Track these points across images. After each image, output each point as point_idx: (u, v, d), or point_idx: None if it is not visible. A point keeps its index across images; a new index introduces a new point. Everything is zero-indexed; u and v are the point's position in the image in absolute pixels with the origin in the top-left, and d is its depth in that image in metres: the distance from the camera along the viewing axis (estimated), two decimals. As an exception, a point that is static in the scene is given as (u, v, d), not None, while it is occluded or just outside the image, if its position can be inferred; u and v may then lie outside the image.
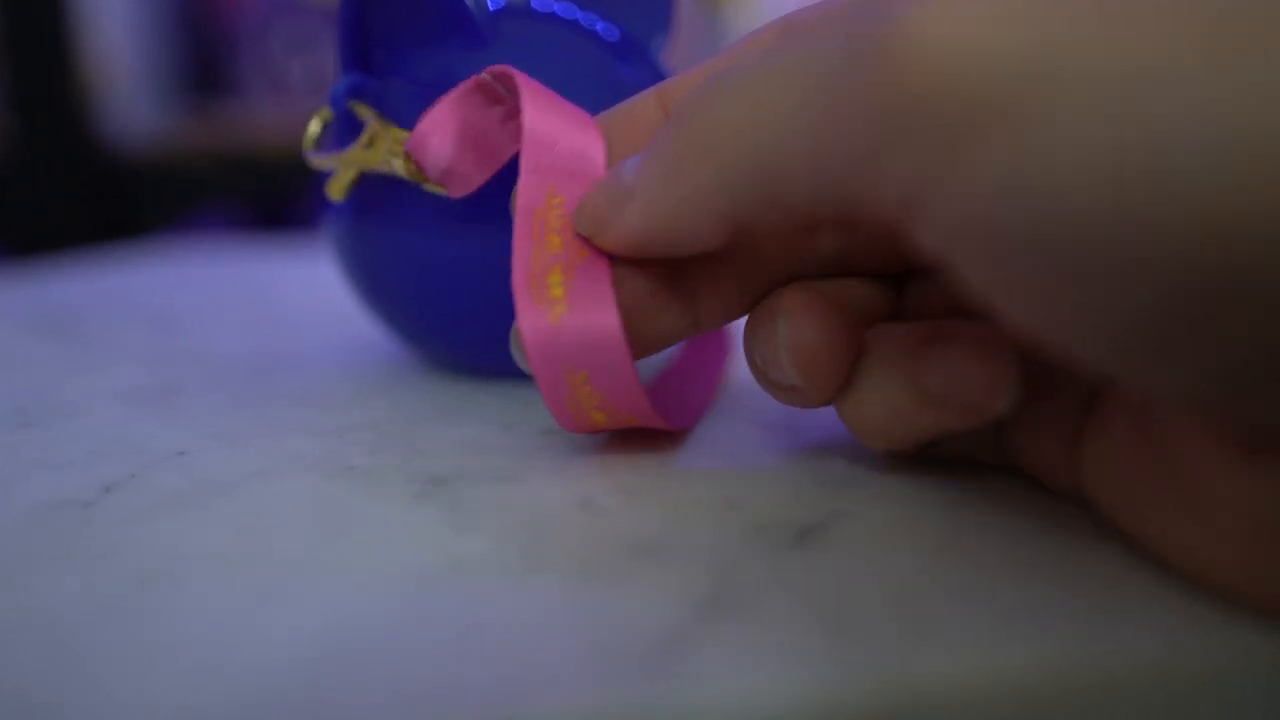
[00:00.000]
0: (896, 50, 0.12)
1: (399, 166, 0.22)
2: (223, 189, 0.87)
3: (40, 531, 0.17)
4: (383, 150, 0.22)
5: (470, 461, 0.20)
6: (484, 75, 0.20)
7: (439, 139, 0.21)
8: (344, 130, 0.23)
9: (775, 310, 0.18)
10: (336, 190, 0.23)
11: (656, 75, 0.25)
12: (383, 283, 0.25)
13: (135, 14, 0.95)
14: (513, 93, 0.20)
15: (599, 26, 0.25)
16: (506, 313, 0.23)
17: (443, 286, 0.24)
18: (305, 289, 0.41)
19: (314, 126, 0.24)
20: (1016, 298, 0.13)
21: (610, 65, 0.24)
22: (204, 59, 1.02)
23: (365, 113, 0.22)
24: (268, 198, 0.94)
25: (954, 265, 0.13)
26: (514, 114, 0.20)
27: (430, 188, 0.22)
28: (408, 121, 0.22)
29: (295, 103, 0.97)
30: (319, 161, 0.23)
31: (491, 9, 0.23)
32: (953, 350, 0.16)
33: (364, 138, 0.22)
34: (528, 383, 0.26)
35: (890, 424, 0.18)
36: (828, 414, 0.23)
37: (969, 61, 0.12)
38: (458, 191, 0.21)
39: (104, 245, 0.84)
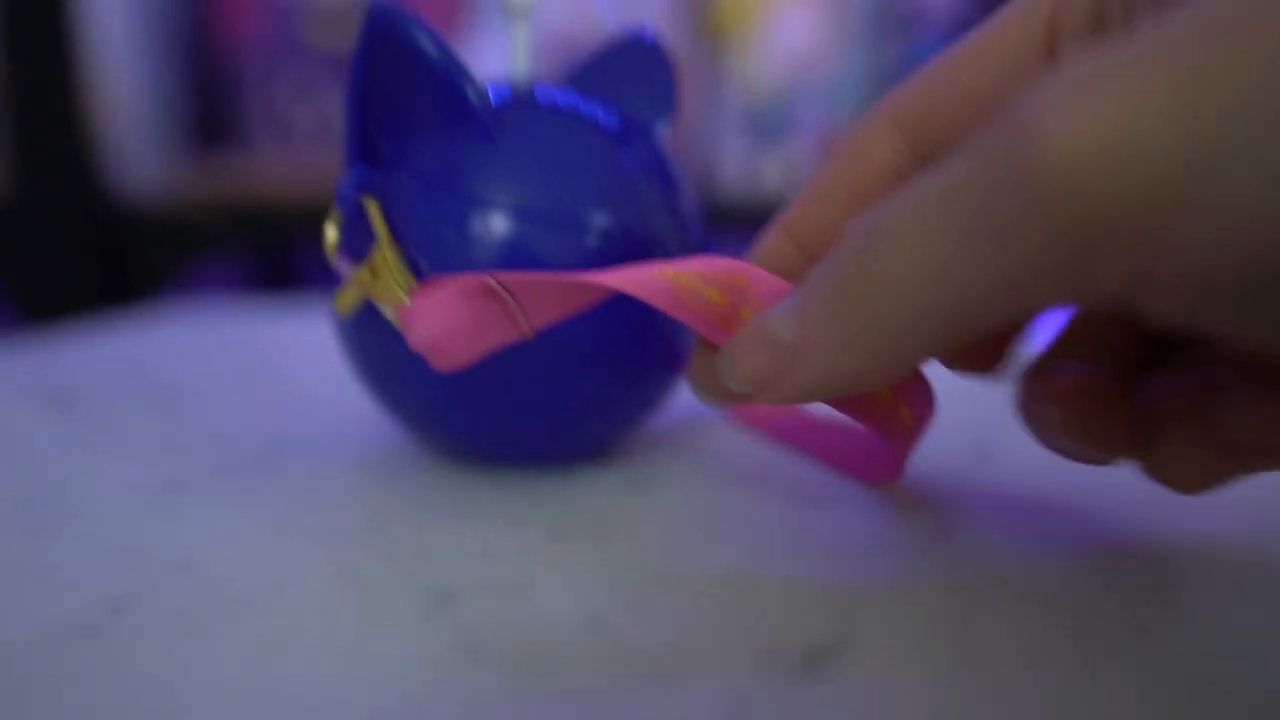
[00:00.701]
0: (1061, 169, 0.12)
1: (392, 316, 0.22)
2: (229, 238, 0.87)
3: (44, 660, 0.17)
4: (383, 288, 0.22)
5: (479, 570, 0.20)
6: (489, 280, 0.20)
7: (427, 321, 0.21)
8: (359, 228, 0.23)
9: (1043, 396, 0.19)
10: (343, 306, 0.23)
11: (658, 160, 0.25)
12: (390, 373, 0.25)
13: (138, 61, 0.95)
14: (516, 298, 0.20)
15: (599, 114, 0.25)
16: (513, 401, 0.23)
17: (451, 378, 0.23)
18: (310, 355, 0.41)
19: (330, 232, 0.24)
20: (1265, 320, 0.13)
21: (612, 153, 0.24)
22: (208, 106, 1.02)
23: (375, 219, 0.22)
24: (274, 246, 0.94)
25: (1194, 315, 0.13)
26: (511, 313, 0.20)
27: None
28: (417, 215, 0.22)
29: (301, 149, 0.98)
30: (337, 268, 0.23)
31: (495, 102, 0.24)
32: (1239, 396, 0.18)
33: (371, 261, 0.22)
34: (531, 474, 0.26)
35: (1197, 473, 0.19)
36: (834, 518, 0.23)
37: (1132, 161, 0.12)
38: (442, 366, 0.21)
39: (108, 294, 0.84)
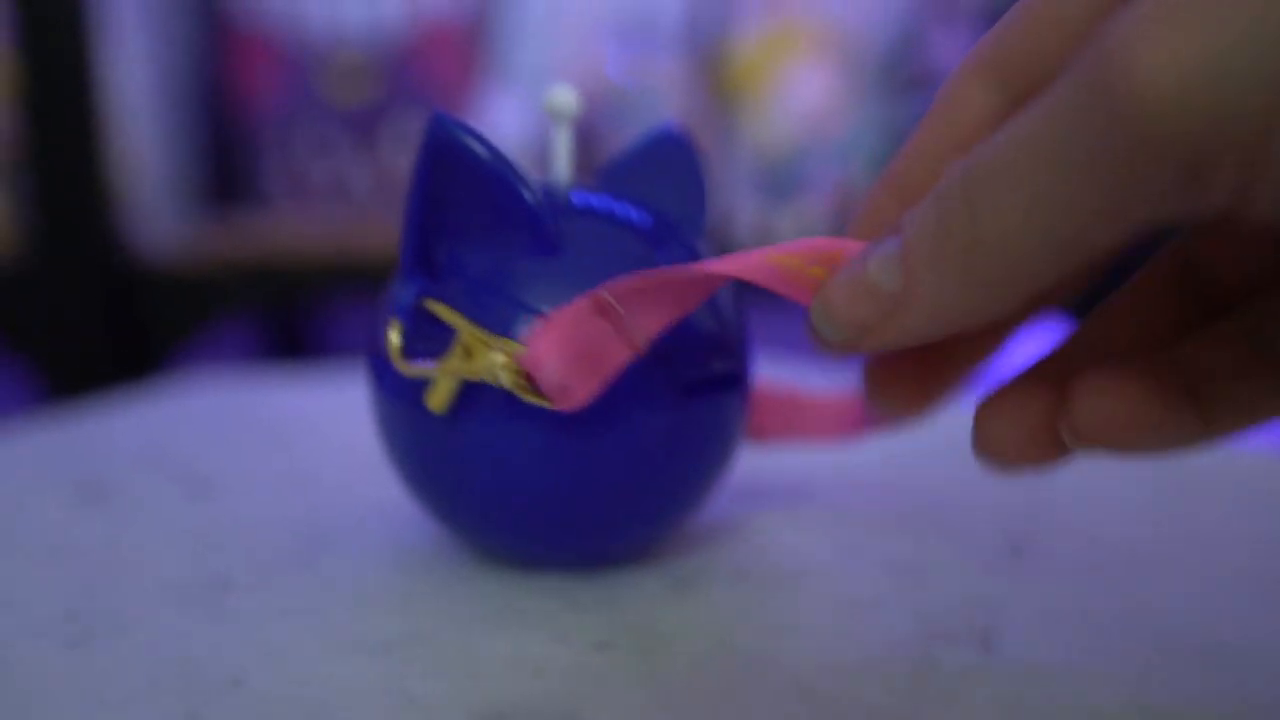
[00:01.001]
0: (1154, 95, 0.13)
1: (505, 379, 0.22)
2: (245, 298, 0.87)
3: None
4: (484, 360, 0.22)
5: (527, 688, 0.20)
6: (602, 294, 0.21)
7: (553, 357, 0.21)
8: (423, 334, 0.23)
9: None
10: (438, 402, 0.23)
11: (692, 255, 0.25)
12: (438, 478, 0.25)
13: (155, 120, 0.96)
14: (626, 305, 0.20)
15: (633, 215, 0.25)
16: (563, 507, 0.23)
17: (506, 483, 0.24)
18: (337, 428, 0.41)
19: (395, 338, 0.23)
20: None
21: (650, 253, 0.24)
22: (224, 164, 1.03)
23: (454, 318, 0.22)
24: (291, 305, 0.95)
25: None
26: (622, 327, 0.21)
27: (531, 399, 0.22)
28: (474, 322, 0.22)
29: (317, 207, 0.98)
30: (414, 370, 0.23)
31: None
32: None
33: (459, 347, 0.22)
34: (572, 576, 0.26)
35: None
36: (878, 621, 0.23)
37: (1224, 81, 0.13)
38: (566, 406, 0.21)
39: (124, 354, 0.85)
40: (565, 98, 0.26)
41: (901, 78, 0.91)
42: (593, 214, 0.25)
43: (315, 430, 0.42)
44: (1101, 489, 0.34)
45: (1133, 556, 0.28)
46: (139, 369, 0.85)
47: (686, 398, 0.24)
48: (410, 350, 0.23)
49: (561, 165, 0.26)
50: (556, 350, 0.21)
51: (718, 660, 0.22)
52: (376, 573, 0.27)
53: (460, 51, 1.02)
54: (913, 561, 0.27)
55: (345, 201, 0.99)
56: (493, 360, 0.22)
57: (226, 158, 1.03)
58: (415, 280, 0.24)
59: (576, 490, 0.24)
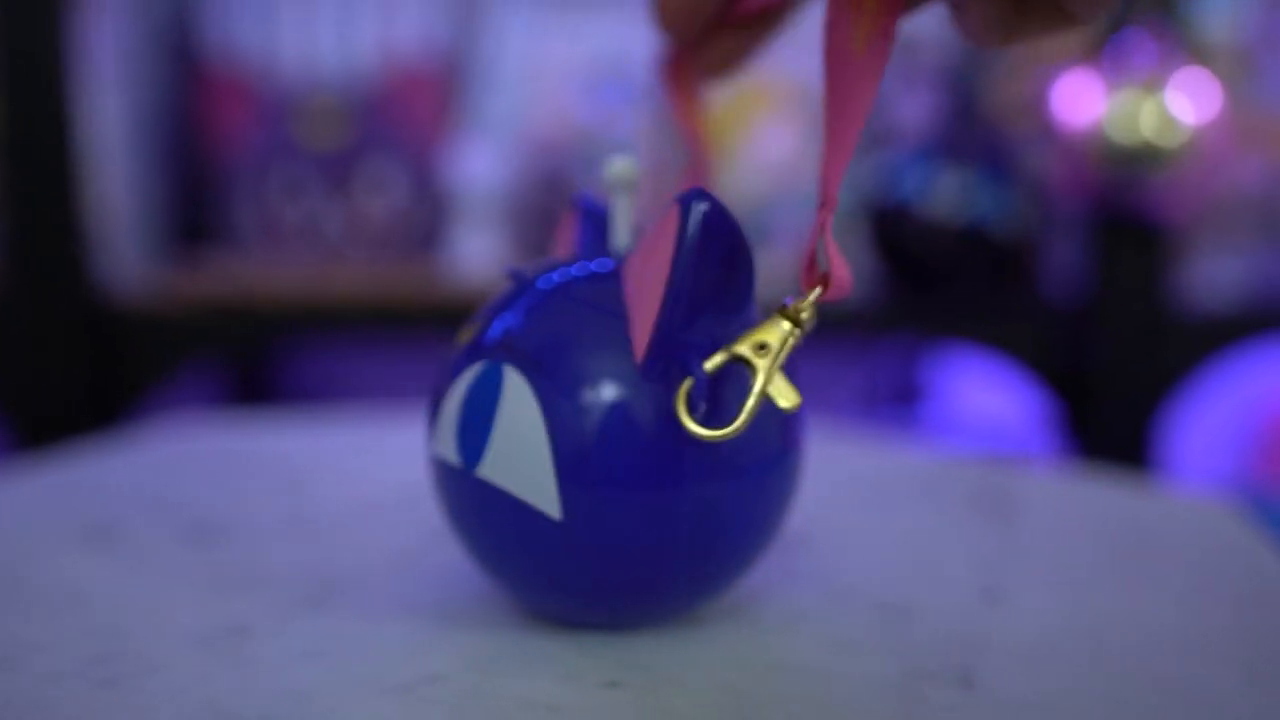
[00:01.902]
0: None
1: (808, 319, 0.23)
2: (217, 339, 0.88)
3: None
4: (777, 329, 0.22)
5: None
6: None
7: (844, 269, 0.23)
8: (709, 388, 0.23)
9: None
10: (744, 422, 0.22)
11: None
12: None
13: (128, 161, 0.97)
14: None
15: None
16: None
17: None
18: (333, 473, 0.42)
19: (683, 406, 0.22)
20: None
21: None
22: (196, 206, 1.04)
23: (756, 357, 0.22)
24: (263, 348, 0.95)
25: None
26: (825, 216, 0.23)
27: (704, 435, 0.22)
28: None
29: (290, 250, 0.99)
30: (712, 433, 0.22)
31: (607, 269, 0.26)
32: None
33: (753, 351, 0.22)
34: (582, 627, 0.28)
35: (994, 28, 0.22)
36: (864, 667, 0.25)
37: None
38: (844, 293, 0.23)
39: (98, 396, 0.85)
40: (626, 168, 0.27)
41: (866, 135, 0.94)
42: None
43: (314, 474, 0.43)
44: (1068, 537, 0.36)
45: (1099, 599, 0.30)
46: (111, 409, 0.85)
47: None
48: (704, 400, 0.23)
49: (622, 232, 0.27)
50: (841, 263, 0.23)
51: (718, 698, 0.23)
52: (389, 617, 0.28)
53: (433, 97, 1.04)
54: (898, 604, 0.29)
55: (318, 244, 1.00)
56: (784, 326, 0.22)
57: (200, 199, 1.04)
58: (681, 345, 0.23)
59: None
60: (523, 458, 0.24)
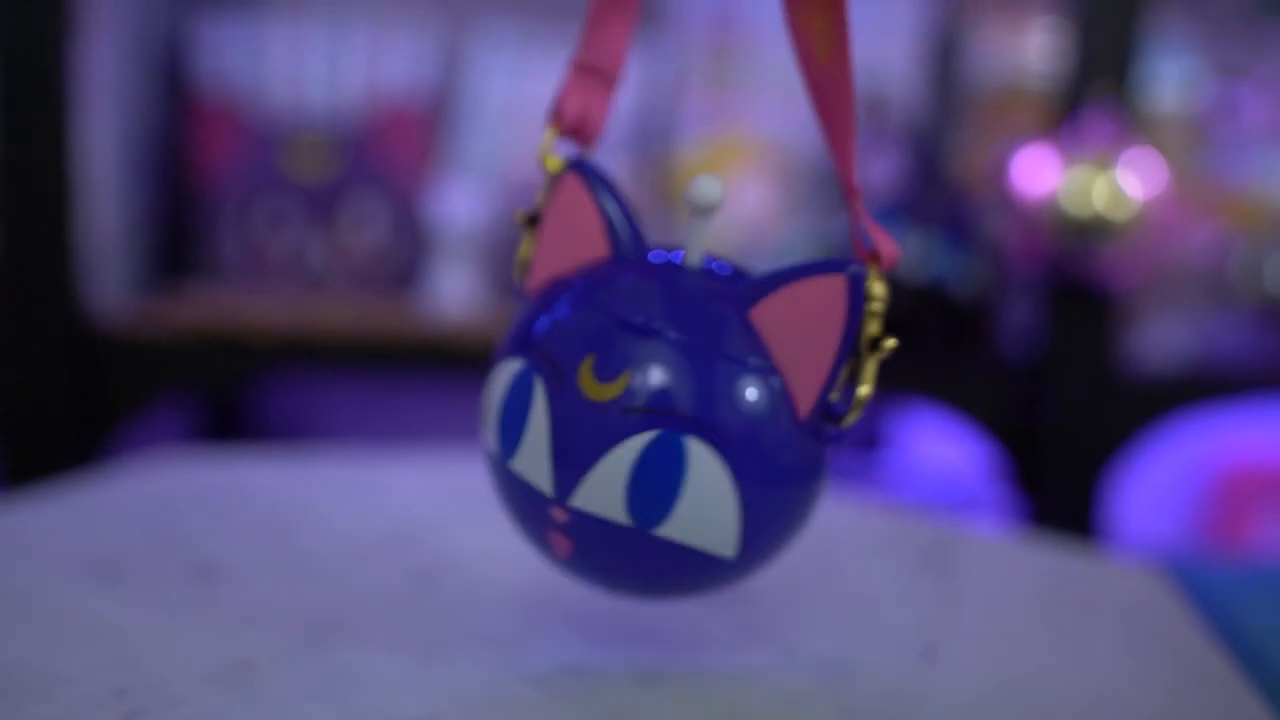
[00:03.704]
0: None
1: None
2: (198, 369, 0.90)
3: None
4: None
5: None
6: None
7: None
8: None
9: None
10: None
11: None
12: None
13: (114, 190, 0.99)
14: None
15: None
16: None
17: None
18: (328, 510, 0.45)
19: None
20: None
21: None
22: (183, 234, 1.06)
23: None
24: (243, 379, 0.97)
25: None
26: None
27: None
28: None
29: (272, 281, 1.01)
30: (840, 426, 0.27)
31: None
32: None
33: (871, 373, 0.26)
34: (555, 666, 0.30)
35: None
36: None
37: None
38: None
39: (81, 424, 0.87)
40: (714, 189, 0.27)
41: (834, 193, 0.98)
42: None
43: (304, 512, 0.45)
44: (1005, 599, 0.39)
45: (1028, 659, 0.33)
46: (91, 435, 0.87)
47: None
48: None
49: (695, 251, 0.28)
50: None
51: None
52: (383, 657, 0.31)
53: (417, 135, 1.07)
54: (842, 660, 0.32)
55: (300, 276, 1.02)
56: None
57: (185, 228, 1.06)
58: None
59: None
60: (710, 518, 0.26)
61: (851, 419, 0.26)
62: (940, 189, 0.97)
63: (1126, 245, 0.83)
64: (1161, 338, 1.01)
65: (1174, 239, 0.90)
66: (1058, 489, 0.91)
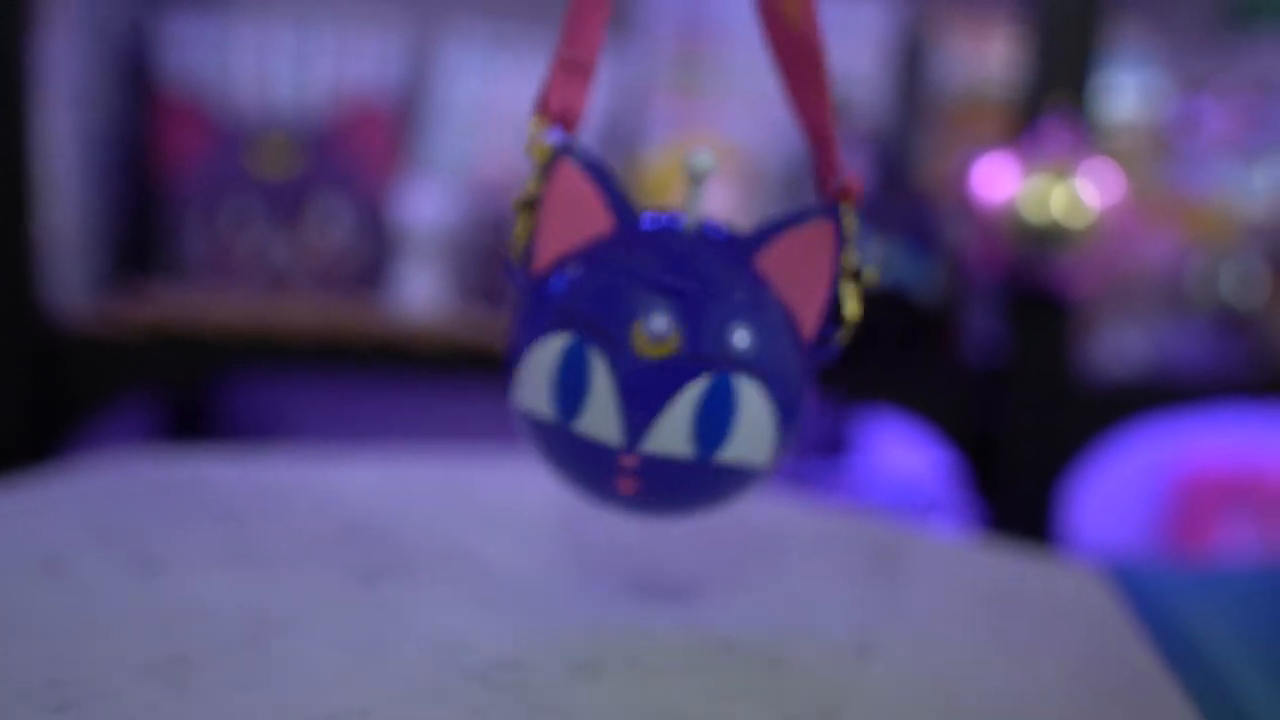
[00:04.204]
0: None
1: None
2: (159, 367, 0.89)
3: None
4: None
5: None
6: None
7: None
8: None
9: None
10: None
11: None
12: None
13: (79, 184, 0.99)
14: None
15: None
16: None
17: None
18: (275, 507, 0.45)
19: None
20: None
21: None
22: (145, 231, 1.05)
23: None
24: (206, 377, 0.97)
25: None
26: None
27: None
28: None
29: (236, 280, 1.01)
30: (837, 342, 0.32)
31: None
32: None
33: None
34: (491, 661, 0.31)
35: None
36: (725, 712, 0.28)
37: None
38: None
39: (39, 421, 0.86)
40: (707, 159, 0.31)
41: (801, 195, 0.99)
42: None
43: (252, 509, 0.45)
44: (945, 599, 0.40)
45: (961, 657, 0.34)
46: (49, 434, 0.86)
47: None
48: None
49: (693, 216, 0.31)
50: None
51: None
52: (321, 652, 0.31)
53: (385, 135, 1.07)
54: (778, 656, 0.33)
55: (264, 275, 1.02)
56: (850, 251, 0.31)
57: (148, 225, 1.05)
58: None
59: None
60: (756, 439, 0.30)
61: (841, 337, 0.31)
62: (904, 194, 0.98)
63: (1084, 253, 0.84)
64: (1120, 345, 1.02)
65: (1132, 248, 0.91)
66: (1016, 495, 0.92)
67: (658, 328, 0.29)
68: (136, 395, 0.90)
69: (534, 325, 0.31)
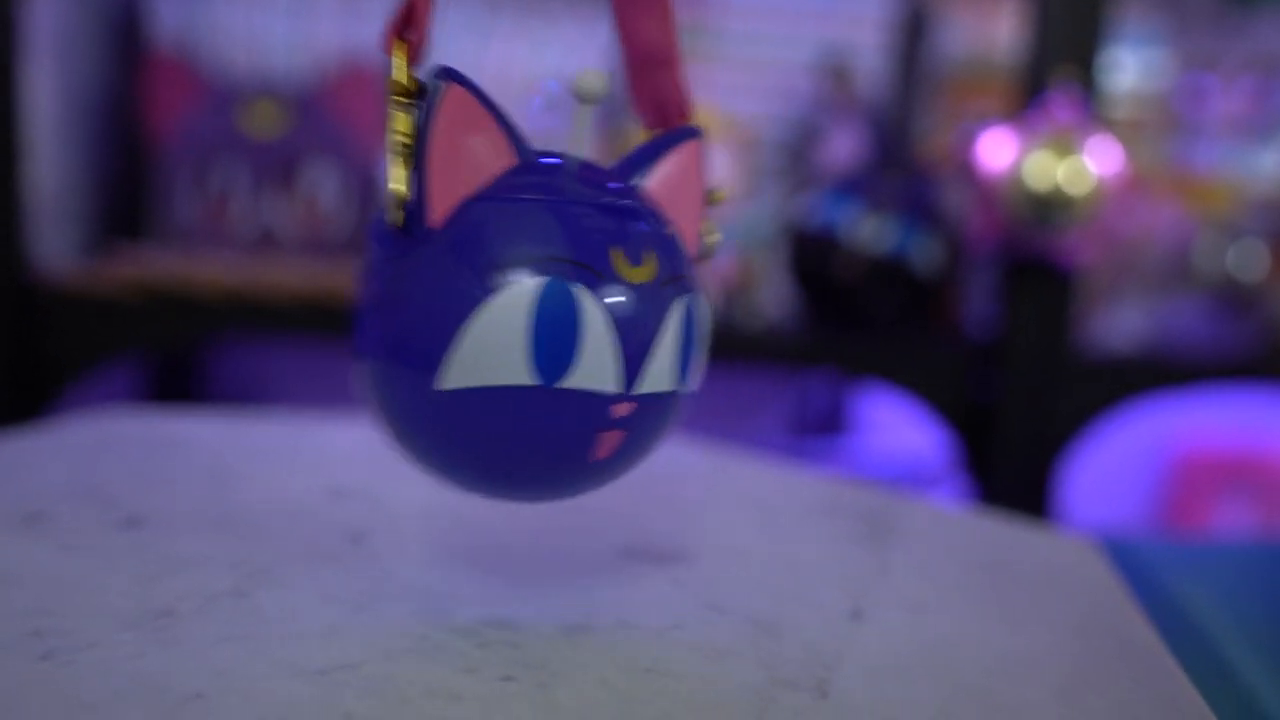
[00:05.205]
0: None
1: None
2: (146, 328, 0.89)
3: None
4: None
5: (447, 711, 0.25)
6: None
7: None
8: None
9: None
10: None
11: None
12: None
13: (66, 144, 0.98)
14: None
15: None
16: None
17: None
18: (257, 465, 0.44)
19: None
20: None
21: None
22: (134, 191, 1.05)
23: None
24: (192, 339, 0.96)
25: None
26: None
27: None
28: None
29: (225, 241, 1.00)
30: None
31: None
32: None
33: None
34: (480, 617, 0.30)
35: None
36: (725, 671, 0.28)
37: None
38: None
39: (24, 379, 0.85)
40: (597, 80, 0.28)
41: (797, 170, 0.98)
42: None
43: (241, 468, 0.45)
44: (937, 566, 0.40)
45: (951, 623, 0.33)
46: (35, 395, 0.86)
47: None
48: None
49: (582, 146, 0.28)
50: None
51: (599, 695, 0.26)
52: (308, 607, 0.30)
53: (378, 99, 1.06)
54: (770, 619, 0.32)
55: (254, 237, 1.01)
56: None
57: (137, 185, 1.04)
58: None
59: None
60: (699, 360, 0.29)
61: (708, 257, 0.32)
62: (903, 166, 0.97)
63: (1084, 224, 0.84)
64: (1120, 321, 1.02)
65: (1132, 220, 0.91)
66: (1013, 470, 0.92)
67: (632, 251, 0.27)
68: (122, 357, 0.89)
69: (457, 287, 0.26)
